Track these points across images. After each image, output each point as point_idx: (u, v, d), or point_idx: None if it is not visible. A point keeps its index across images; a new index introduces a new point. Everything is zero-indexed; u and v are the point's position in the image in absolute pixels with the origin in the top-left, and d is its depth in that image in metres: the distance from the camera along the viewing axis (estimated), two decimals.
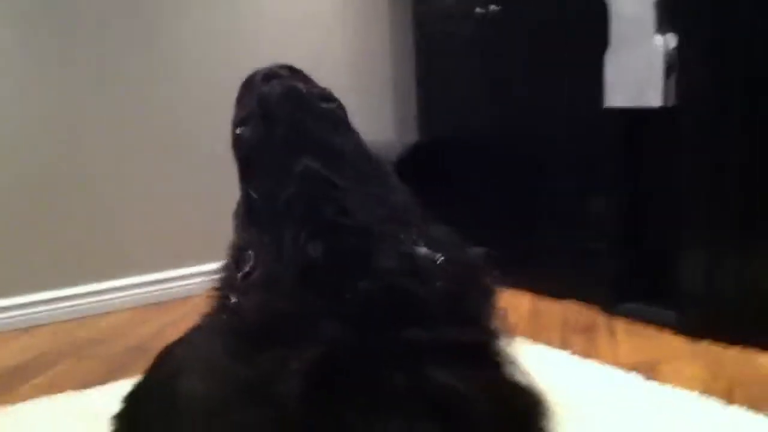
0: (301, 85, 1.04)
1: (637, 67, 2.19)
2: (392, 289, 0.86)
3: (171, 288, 2.80)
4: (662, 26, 2.14)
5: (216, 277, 1.02)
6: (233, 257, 1.00)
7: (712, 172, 2.07)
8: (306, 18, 3.03)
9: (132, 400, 1.50)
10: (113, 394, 1.89)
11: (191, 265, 2.83)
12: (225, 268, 1.01)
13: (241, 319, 0.91)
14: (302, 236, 0.89)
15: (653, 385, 1.79)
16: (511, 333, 0.94)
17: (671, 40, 2.12)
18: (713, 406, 1.66)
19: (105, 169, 2.70)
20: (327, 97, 1.07)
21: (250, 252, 0.96)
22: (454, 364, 0.85)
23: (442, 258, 0.92)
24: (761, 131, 1.96)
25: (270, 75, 1.05)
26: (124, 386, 1.91)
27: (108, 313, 2.66)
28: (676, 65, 2.11)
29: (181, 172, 2.82)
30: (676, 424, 1.60)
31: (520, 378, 0.92)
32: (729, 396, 1.71)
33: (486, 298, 0.96)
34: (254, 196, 1.00)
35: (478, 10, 2.66)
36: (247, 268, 0.95)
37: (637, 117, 2.24)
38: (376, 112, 3.16)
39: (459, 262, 0.94)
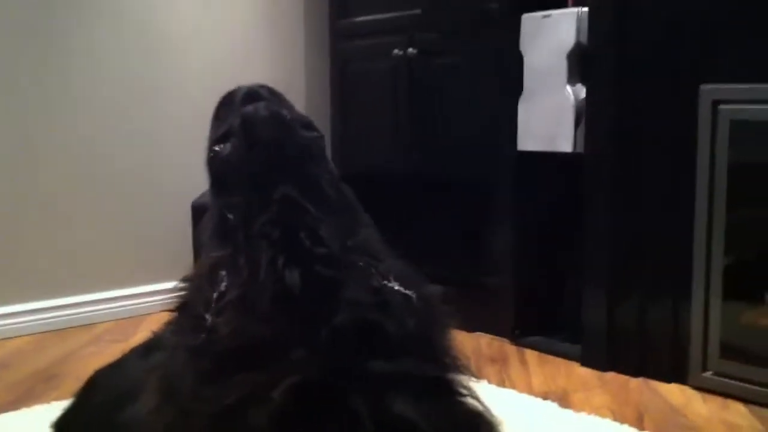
0: (285, 111, 1.04)
1: (549, 114, 2.34)
2: (364, 323, 0.88)
3: (72, 315, 2.72)
4: (572, 77, 2.31)
5: (181, 294, 1.00)
6: (204, 276, 0.98)
7: (614, 215, 2.23)
8: (221, 49, 3.05)
9: (63, 427, 1.47)
10: (25, 419, 1.85)
11: (93, 292, 2.77)
12: (193, 287, 0.99)
13: (216, 340, 0.89)
14: (279, 262, 0.90)
15: (568, 413, 1.91)
16: (469, 368, 0.97)
17: (581, 91, 2.29)
18: (626, 431, 1.79)
19: (2, 191, 2.61)
20: (308, 125, 1.07)
21: (223, 272, 0.95)
22: (418, 396, 0.88)
23: (414, 295, 0.95)
24: (660, 179, 2.14)
25: (251, 95, 1.05)
26: (35, 412, 1.88)
27: (8, 338, 2.55)
28: (585, 114, 2.27)
29: (84, 200, 2.76)
30: None
31: (479, 408, 0.95)
32: (639, 423, 1.84)
33: (446, 333, 1.00)
34: (229, 216, 0.99)
35: (396, 51, 2.76)
36: (222, 288, 0.94)
37: (548, 160, 2.40)
38: None
39: (424, 298, 0.97)
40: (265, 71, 3.16)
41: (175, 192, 2.86)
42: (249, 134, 1.01)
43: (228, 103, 1.09)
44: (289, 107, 1.08)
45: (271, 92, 1.08)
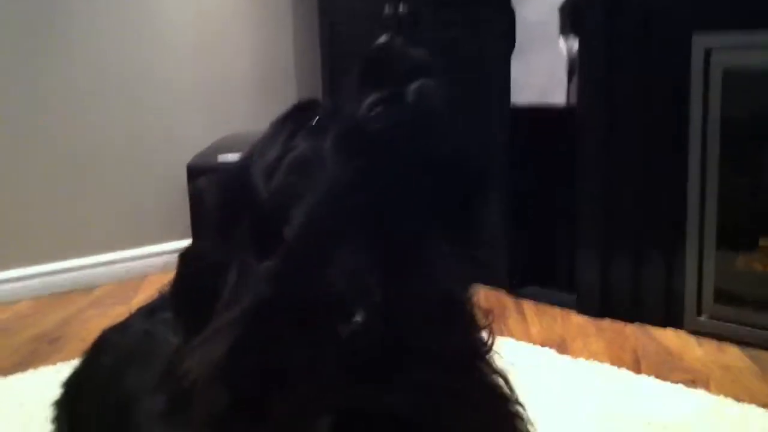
0: None
1: (542, 68, 2.35)
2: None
3: (72, 278, 2.73)
4: (565, 30, 2.31)
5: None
6: None
7: (607, 168, 2.25)
8: (208, 15, 3.04)
9: (72, 387, 1.49)
10: (33, 381, 1.88)
11: (93, 254, 2.78)
12: None
13: None
14: None
15: (567, 359, 1.95)
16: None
17: (574, 43, 2.29)
18: (624, 375, 1.83)
19: (2, 157, 2.61)
20: None
21: None
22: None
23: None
24: (653, 132, 2.16)
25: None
26: (41, 373, 1.91)
27: (9, 303, 2.57)
28: (578, 67, 2.28)
29: (82, 163, 2.76)
30: (592, 393, 1.75)
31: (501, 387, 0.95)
32: (636, 367, 1.89)
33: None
34: None
35: (387, 10, 2.75)
36: None
37: (542, 115, 2.41)
38: (283, 107, 3.20)
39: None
40: (252, 31, 3.15)
41: (171, 154, 2.87)
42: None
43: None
44: None
45: None
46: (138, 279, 2.79)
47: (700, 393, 1.72)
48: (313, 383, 0.83)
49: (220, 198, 0.94)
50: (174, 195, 2.85)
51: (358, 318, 0.85)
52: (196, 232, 2.61)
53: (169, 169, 2.86)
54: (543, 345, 2.04)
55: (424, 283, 0.96)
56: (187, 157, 2.72)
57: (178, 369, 0.90)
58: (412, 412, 0.85)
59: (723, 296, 2.07)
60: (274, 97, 3.17)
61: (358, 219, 0.84)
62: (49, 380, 1.56)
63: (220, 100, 3.07)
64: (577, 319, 2.27)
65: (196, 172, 2.70)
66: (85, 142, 2.77)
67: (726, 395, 1.70)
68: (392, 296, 0.89)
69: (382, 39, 0.87)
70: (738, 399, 1.68)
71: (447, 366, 0.88)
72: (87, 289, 2.71)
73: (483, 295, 1.01)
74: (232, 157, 2.54)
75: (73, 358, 1.52)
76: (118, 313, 1.50)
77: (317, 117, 0.92)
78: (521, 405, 0.96)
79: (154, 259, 2.82)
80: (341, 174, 0.83)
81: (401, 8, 2.71)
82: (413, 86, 0.83)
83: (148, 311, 1.36)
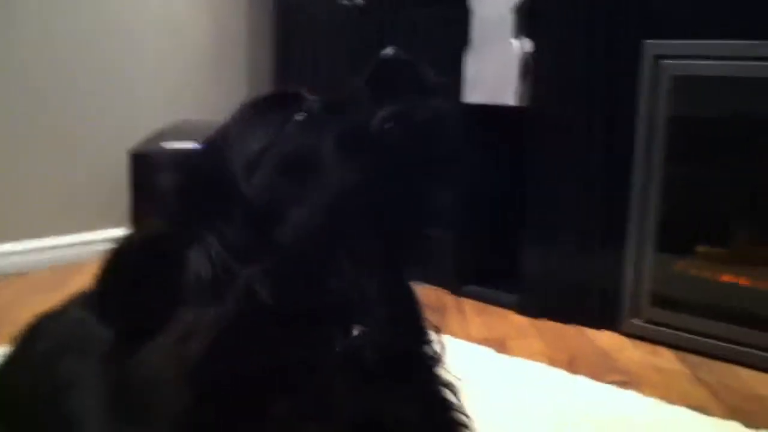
0: None
1: (495, 67, 2.36)
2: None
3: (5, 263, 2.65)
4: (519, 30, 2.33)
5: None
6: None
7: (554, 170, 2.28)
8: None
9: (3, 374, 1.44)
10: None
11: (27, 239, 2.71)
12: None
13: None
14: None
15: (504, 357, 1.96)
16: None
17: (527, 44, 2.31)
18: (559, 375, 1.85)
19: None
20: None
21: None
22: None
23: None
24: (601, 135, 2.18)
25: None
26: None
27: None
28: (531, 68, 2.30)
29: (17, 147, 2.68)
30: (529, 392, 1.76)
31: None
32: (572, 367, 1.91)
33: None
34: None
35: (343, 0, 2.73)
36: None
37: (493, 114, 2.42)
38: (230, 95, 3.16)
39: None
40: (199, 14, 3.11)
41: (111, 140, 2.81)
42: None
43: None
44: None
45: None
46: (73, 266, 2.72)
47: (633, 394, 1.75)
48: (310, 391, 0.81)
49: (184, 183, 0.90)
50: (113, 182, 2.78)
51: (358, 331, 0.84)
52: (137, 219, 2.56)
53: (109, 155, 2.79)
54: (482, 344, 2.05)
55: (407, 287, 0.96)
56: (128, 143, 2.67)
57: (132, 363, 0.87)
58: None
59: (659, 300, 2.11)
60: (222, 85, 3.13)
61: (361, 227, 0.84)
62: None
63: (165, 86, 3.01)
64: (517, 319, 2.28)
65: (139, 158, 2.64)
66: (20, 124, 2.68)
67: (658, 397, 1.73)
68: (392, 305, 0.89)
69: (390, 51, 0.89)
70: (670, 401, 1.71)
71: (399, 377, 0.89)
72: (19, 274, 2.64)
73: (425, 293, 1.05)
74: (178, 145, 2.50)
75: (6, 343, 1.48)
76: (51, 299, 1.46)
77: (304, 110, 0.89)
78: (466, 415, 0.97)
79: (90, 246, 2.75)
80: (347, 180, 0.82)
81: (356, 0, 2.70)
82: (427, 106, 0.85)
83: (85, 299, 1.33)
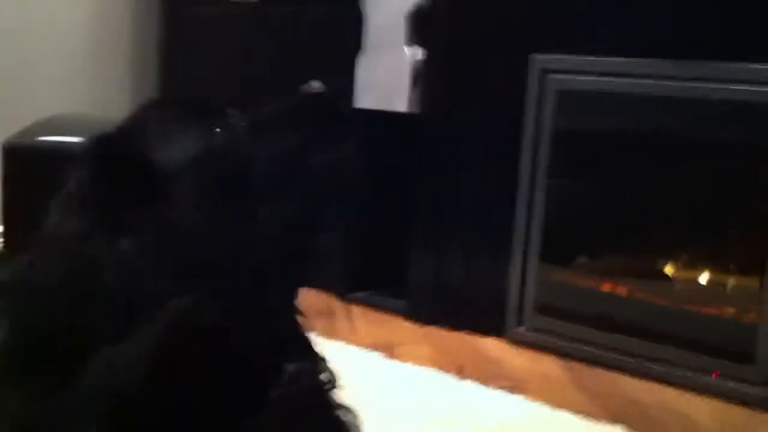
0: None
1: (387, 73, 2.36)
2: None
3: None
4: (412, 38, 2.34)
5: None
6: None
7: (444, 176, 2.30)
8: None
9: None
10: None
11: None
12: None
13: None
14: None
15: (393, 363, 1.95)
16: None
17: (419, 52, 2.32)
18: (448, 381, 1.86)
19: None
20: None
21: None
22: None
23: None
24: (488, 143, 2.22)
25: None
26: None
27: None
28: (421, 75, 2.31)
29: None
30: (417, 397, 1.76)
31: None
32: (460, 373, 1.92)
33: None
34: None
35: None
36: None
37: (383, 120, 2.42)
38: (114, 91, 3.04)
39: None
40: (86, 11, 2.98)
41: None
42: None
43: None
44: None
45: None
46: None
47: (519, 399, 1.78)
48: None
49: (95, 177, 0.82)
50: None
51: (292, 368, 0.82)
52: (10, 217, 2.39)
53: None
54: (371, 349, 2.04)
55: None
56: (3, 136, 2.51)
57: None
58: None
59: (543, 308, 2.16)
60: (107, 76, 3.00)
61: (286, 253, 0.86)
62: None
63: (46, 77, 2.86)
64: (406, 325, 2.29)
65: (12, 152, 2.49)
66: None
67: (543, 402, 1.76)
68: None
69: (317, 86, 0.94)
70: (554, 406, 1.74)
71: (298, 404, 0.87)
72: None
73: (313, 298, 1.03)
74: (58, 138, 2.36)
75: None
76: None
77: (228, 124, 0.87)
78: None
79: None
80: (281, 207, 0.84)
81: None
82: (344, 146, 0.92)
83: None
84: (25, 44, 2.80)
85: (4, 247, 2.28)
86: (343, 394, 0.96)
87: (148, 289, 0.75)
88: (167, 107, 0.91)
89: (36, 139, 2.43)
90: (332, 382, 0.96)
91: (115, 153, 0.81)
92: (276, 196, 0.85)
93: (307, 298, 2.52)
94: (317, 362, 0.93)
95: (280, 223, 0.84)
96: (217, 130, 0.85)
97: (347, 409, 0.98)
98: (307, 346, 0.93)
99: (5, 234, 2.27)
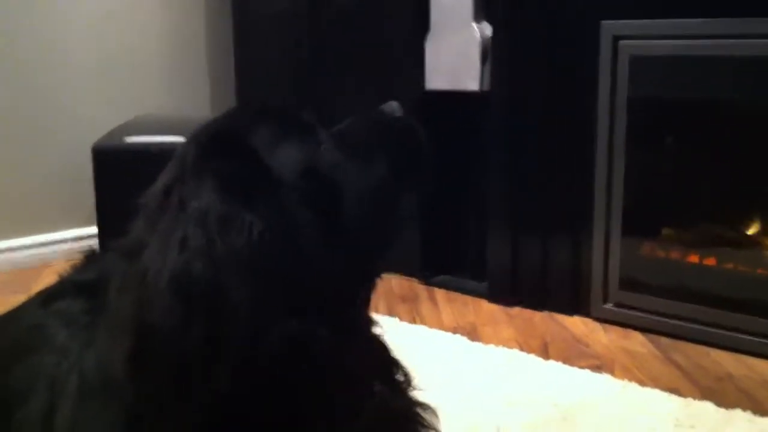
0: None
1: (455, 52, 2.34)
2: None
3: None
4: (478, 15, 2.31)
5: None
6: None
7: (519, 155, 2.27)
8: None
9: None
10: None
11: None
12: None
13: None
14: None
15: (478, 345, 1.95)
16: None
17: (487, 29, 2.29)
18: (532, 361, 1.85)
19: None
20: None
21: None
22: None
23: None
24: (562, 118, 2.18)
25: None
26: None
27: None
28: (490, 52, 2.28)
29: None
30: (502, 379, 1.76)
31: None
32: (544, 353, 1.91)
33: None
34: None
35: None
36: None
37: (455, 100, 2.40)
38: (192, 90, 3.12)
39: None
40: (160, 4, 3.05)
41: (73, 136, 2.75)
42: None
43: None
44: None
45: None
46: (38, 267, 2.66)
47: (605, 377, 1.75)
48: None
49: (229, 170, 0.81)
50: (76, 179, 2.73)
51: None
52: (103, 219, 2.48)
53: (71, 152, 2.74)
54: (455, 332, 2.04)
55: None
56: (92, 139, 2.61)
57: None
58: None
59: (627, 283, 2.12)
60: (184, 77, 3.08)
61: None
62: None
63: (127, 79, 2.95)
64: (488, 307, 2.28)
65: (102, 154, 2.58)
66: None
67: (630, 380, 1.73)
68: None
69: (395, 107, 1.02)
70: (641, 383, 1.71)
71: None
72: None
73: (396, 284, 1.04)
74: (144, 139, 2.44)
75: None
76: (16, 302, 1.43)
77: (323, 138, 0.92)
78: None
79: (54, 246, 2.70)
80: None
81: None
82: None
83: (44, 299, 1.28)
84: (106, 50, 2.90)
85: (99, 248, 2.35)
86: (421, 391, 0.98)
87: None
88: (265, 114, 0.92)
89: (123, 140, 2.52)
90: (408, 381, 0.98)
91: (229, 150, 0.84)
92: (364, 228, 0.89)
93: (391, 284, 2.57)
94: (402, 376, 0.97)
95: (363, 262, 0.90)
96: (322, 147, 0.89)
97: (425, 407, 1.00)
98: (393, 362, 0.97)
99: (99, 236, 2.36)
